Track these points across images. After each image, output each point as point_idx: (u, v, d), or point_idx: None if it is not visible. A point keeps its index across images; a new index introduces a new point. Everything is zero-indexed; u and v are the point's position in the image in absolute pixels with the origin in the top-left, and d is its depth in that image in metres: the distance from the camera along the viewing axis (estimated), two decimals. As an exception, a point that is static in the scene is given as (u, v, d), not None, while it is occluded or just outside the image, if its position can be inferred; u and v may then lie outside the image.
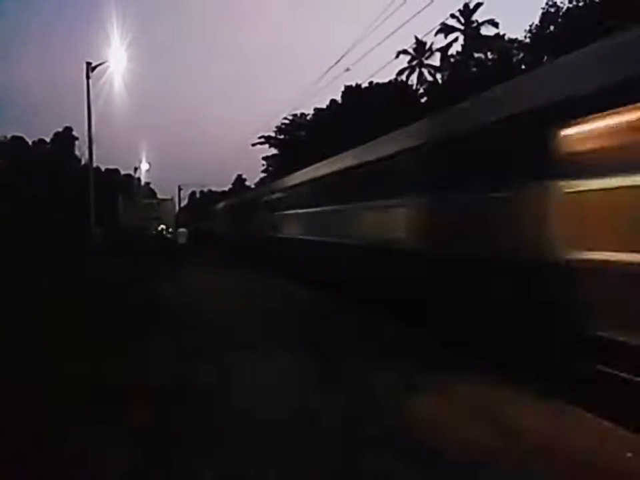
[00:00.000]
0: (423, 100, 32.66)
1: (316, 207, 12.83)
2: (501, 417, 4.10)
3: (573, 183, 4.83)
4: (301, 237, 13.95)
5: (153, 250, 24.43)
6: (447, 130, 7.45)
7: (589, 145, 4.76)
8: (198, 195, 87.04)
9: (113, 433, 3.87)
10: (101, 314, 8.26)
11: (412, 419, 4.15)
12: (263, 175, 56.11)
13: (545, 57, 20.60)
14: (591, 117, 4.73)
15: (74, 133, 42.43)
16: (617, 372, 4.32)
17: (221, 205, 37.38)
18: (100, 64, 20.43)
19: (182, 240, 27.67)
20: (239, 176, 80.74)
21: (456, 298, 6.72)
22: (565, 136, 5.02)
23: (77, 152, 42.03)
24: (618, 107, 4.44)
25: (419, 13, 12.84)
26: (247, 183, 75.51)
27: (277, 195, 17.41)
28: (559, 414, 4.19)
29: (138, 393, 4.73)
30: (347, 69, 16.39)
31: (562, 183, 4.97)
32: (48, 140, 43.98)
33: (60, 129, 43.89)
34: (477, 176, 6.48)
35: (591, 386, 4.32)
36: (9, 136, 41.11)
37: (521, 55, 27.32)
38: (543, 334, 5.10)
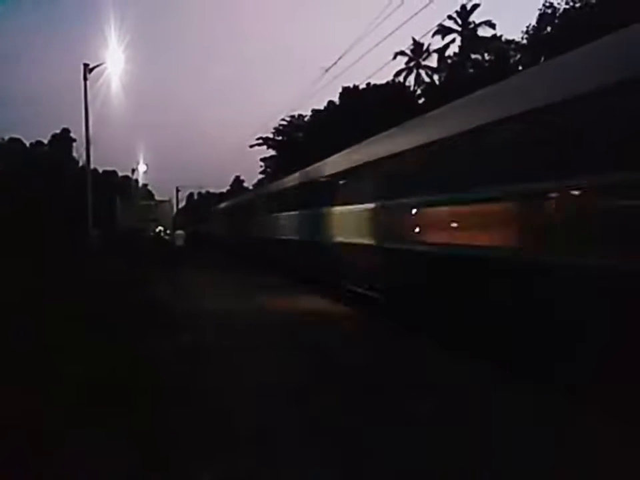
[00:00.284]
0: (420, 101, 32.70)
1: (270, 213, 18.84)
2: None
3: (335, 207, 11.59)
4: (265, 235, 19.64)
5: (150, 252, 24.40)
6: (308, 176, 14.56)
7: (339, 192, 11.58)
8: (196, 197, 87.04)
9: (111, 434, 3.86)
10: (99, 315, 8.25)
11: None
12: (261, 176, 56.19)
13: (542, 58, 20.63)
14: (341, 181, 11.67)
15: (71, 134, 42.19)
16: (354, 288, 10.46)
17: (218, 207, 37.42)
18: (97, 65, 20.39)
19: (179, 242, 27.70)
20: (237, 177, 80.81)
21: (310, 262, 13.72)
22: (334, 188, 11.91)
23: (74, 153, 41.77)
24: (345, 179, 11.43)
25: (416, 14, 12.85)
26: (245, 184, 75.56)
27: (260, 200, 22.53)
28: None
29: (137, 394, 4.72)
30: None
31: (334, 207, 11.65)
32: (45, 142, 43.86)
33: (57, 131, 43.71)
34: (310, 202, 13.63)
35: (345, 293, 10.80)
36: (6, 138, 41.03)
37: (518, 56, 27.38)
38: (329, 273, 12.14)
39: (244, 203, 26.05)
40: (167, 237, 35.44)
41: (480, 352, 5.64)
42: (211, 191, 74.49)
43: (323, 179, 12.83)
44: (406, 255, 8.03)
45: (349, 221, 10.71)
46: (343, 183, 11.45)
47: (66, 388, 4.79)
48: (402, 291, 8.39)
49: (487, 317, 5.89)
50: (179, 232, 30.23)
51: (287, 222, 16.05)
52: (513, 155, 5.93)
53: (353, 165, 10.73)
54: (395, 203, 8.51)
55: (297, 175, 15.97)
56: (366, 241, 9.63)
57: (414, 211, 8.04)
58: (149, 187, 64.38)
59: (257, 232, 20.84)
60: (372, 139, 10.55)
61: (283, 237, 16.39)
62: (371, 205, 9.44)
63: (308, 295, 11.62)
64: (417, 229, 7.93)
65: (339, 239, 11.18)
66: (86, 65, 19.93)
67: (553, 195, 5.25)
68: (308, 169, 14.96)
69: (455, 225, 7.12)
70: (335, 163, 12.33)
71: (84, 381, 4.93)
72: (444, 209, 7.23)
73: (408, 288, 8.13)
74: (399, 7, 12.51)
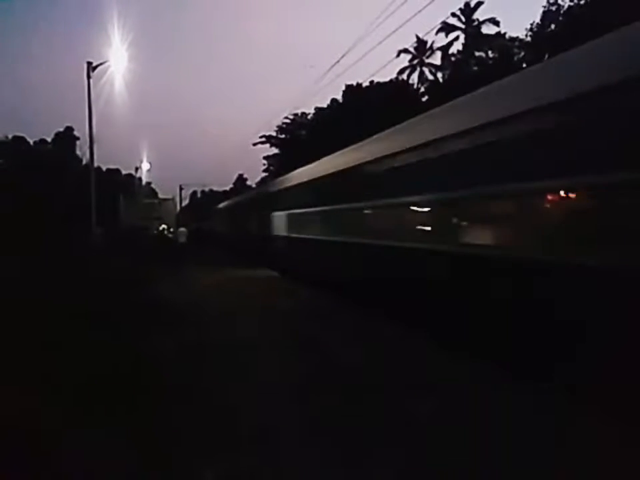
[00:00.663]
0: (423, 99, 32.61)
1: (251, 213, 22.90)
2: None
3: (276, 212, 16.79)
4: (247, 232, 23.83)
5: (153, 250, 24.48)
6: (263, 190, 21.06)
7: (279, 202, 16.52)
8: (199, 195, 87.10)
9: (110, 433, 3.87)
10: (103, 313, 8.27)
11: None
12: (264, 174, 56.17)
13: (546, 56, 20.53)
14: (279, 195, 16.75)
15: (75, 132, 42.23)
16: (280, 263, 16.37)
17: (220, 205, 37.73)
18: (101, 64, 20.41)
19: (182, 239, 27.96)
20: (240, 175, 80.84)
21: (268, 252, 17.89)
22: (277, 199, 16.91)
23: (78, 152, 41.85)
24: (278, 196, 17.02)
25: (419, 11, 12.88)
26: (248, 183, 75.59)
27: (247, 202, 26.20)
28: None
29: (139, 392, 4.74)
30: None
31: (275, 212, 16.84)
32: (49, 140, 43.88)
33: (61, 129, 43.72)
34: (260, 208, 19.43)
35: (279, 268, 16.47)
36: (10, 136, 41.04)
37: (522, 53, 27.29)
38: (274, 258, 17.05)
39: (237, 204, 29.21)
40: (170, 235, 35.51)
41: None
42: (214, 189, 74.72)
43: (272, 192, 18.09)
44: (298, 240, 13.97)
45: (279, 222, 16.19)
46: (281, 196, 16.50)
47: (67, 386, 4.80)
48: (294, 261, 14.67)
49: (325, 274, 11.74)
50: (182, 229, 30.47)
51: (257, 221, 20.95)
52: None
53: (282, 186, 16.35)
54: (295, 211, 14.56)
55: (265, 185, 23.17)
56: (282, 234, 15.74)
57: (302, 216, 13.82)
58: (153, 185, 64.22)
59: (244, 229, 24.85)
60: (289, 174, 16.37)
61: (255, 233, 21.33)
62: (287, 212, 15.41)
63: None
64: (304, 226, 13.63)
65: (275, 233, 16.72)
66: (89, 63, 19.97)
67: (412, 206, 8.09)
68: (269, 182, 22.26)
69: (317, 224, 12.51)
70: (276, 183, 18.13)
71: (86, 380, 4.94)
72: (317, 215, 12.46)
73: (296, 259, 14.49)
74: (402, 4, 12.51)
